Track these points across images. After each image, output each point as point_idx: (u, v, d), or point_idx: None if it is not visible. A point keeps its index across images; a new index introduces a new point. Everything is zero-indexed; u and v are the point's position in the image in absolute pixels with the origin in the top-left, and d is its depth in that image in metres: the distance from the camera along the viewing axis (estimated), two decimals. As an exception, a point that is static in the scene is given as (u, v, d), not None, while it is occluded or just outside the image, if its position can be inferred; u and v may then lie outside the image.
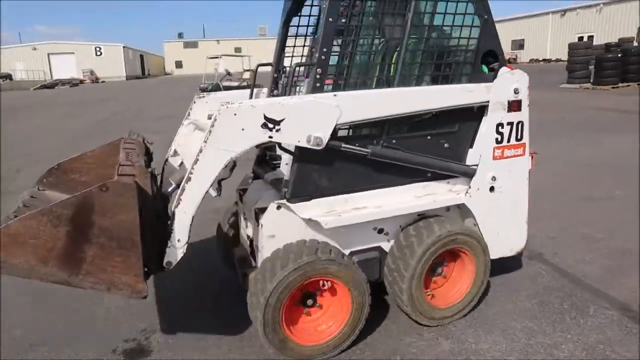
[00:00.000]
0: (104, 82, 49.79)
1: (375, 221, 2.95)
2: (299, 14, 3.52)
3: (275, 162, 3.62)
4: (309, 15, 3.54)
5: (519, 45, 48.19)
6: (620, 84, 17.12)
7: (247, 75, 20.93)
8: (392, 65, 2.94)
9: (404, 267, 2.90)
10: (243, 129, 2.51)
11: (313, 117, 2.60)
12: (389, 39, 2.98)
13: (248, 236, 3.34)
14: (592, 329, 3.01)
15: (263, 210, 2.87)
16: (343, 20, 2.74)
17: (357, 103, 2.71)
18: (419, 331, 3.04)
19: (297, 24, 3.59)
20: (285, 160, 3.57)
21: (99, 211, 2.27)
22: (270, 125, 2.54)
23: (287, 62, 3.69)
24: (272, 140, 2.58)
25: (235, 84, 19.84)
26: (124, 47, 56.73)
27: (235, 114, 2.48)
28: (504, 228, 3.28)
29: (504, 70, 3.03)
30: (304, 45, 3.62)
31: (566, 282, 3.62)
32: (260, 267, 2.73)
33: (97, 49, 56.14)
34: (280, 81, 3.61)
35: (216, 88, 18.80)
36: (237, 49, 57.02)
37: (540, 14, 45.61)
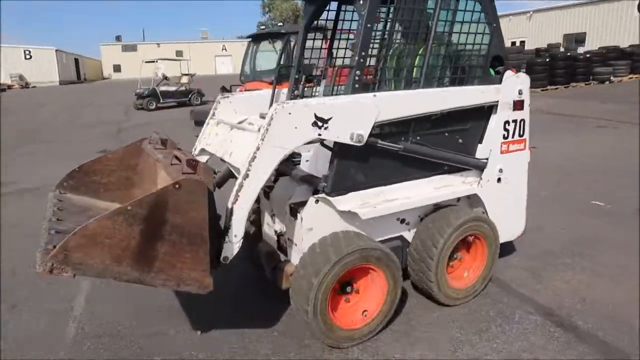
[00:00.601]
0: (34, 87, 46.86)
1: (399, 212, 3.22)
2: (319, 18, 3.77)
3: (295, 159, 3.77)
4: (326, 19, 3.78)
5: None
6: (548, 87, 18.49)
7: (185, 79, 20.21)
8: (416, 68, 3.23)
9: (430, 254, 3.19)
10: (296, 127, 2.70)
11: (356, 116, 2.84)
12: (415, 43, 3.28)
13: (276, 232, 3.46)
14: (516, 336, 3.04)
15: (299, 205, 3.04)
16: (379, 27, 2.99)
17: (393, 103, 2.99)
18: (343, 350, 2.97)
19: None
20: (306, 157, 3.76)
21: (172, 209, 2.33)
22: (320, 124, 2.74)
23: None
24: (321, 137, 2.80)
25: (173, 88, 19.39)
26: (56, 50, 53.62)
27: (290, 113, 2.67)
28: (508, 215, 3.69)
29: (509, 74, 3.43)
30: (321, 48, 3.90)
31: (494, 288, 3.62)
32: (308, 257, 2.88)
33: (27, 52, 52.69)
34: (301, 82, 3.84)
35: (152, 93, 18.46)
36: (179, 53, 55.66)
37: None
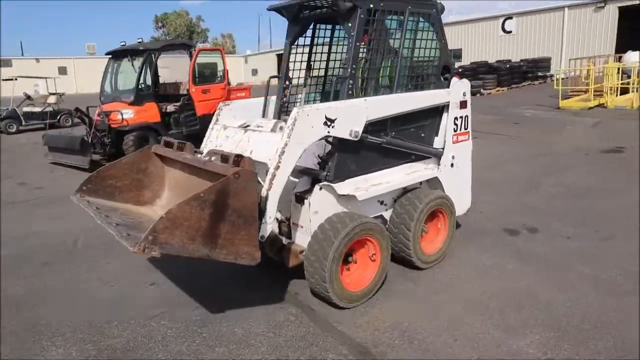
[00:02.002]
0: None
1: (381, 195, 3.94)
2: (303, 35, 4.46)
3: None
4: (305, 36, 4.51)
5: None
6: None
7: (52, 99, 18.31)
8: (388, 77, 4.05)
9: (407, 226, 3.96)
10: (312, 127, 3.35)
11: (354, 117, 3.56)
12: (389, 57, 4.10)
13: (277, 219, 3.97)
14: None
15: (305, 192, 3.63)
16: (362, 44, 3.76)
17: (378, 105, 3.77)
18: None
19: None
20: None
21: (232, 194, 2.83)
22: (329, 123, 3.41)
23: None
24: (329, 134, 3.45)
25: (39, 109, 17.51)
26: None
27: (308, 115, 3.31)
28: (460, 194, 4.56)
29: (455, 80, 4.38)
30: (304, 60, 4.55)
31: (312, 327, 3.35)
32: (320, 234, 3.45)
33: None
34: (287, 90, 4.51)
35: (12, 115, 16.55)
36: (62, 69, 51.70)
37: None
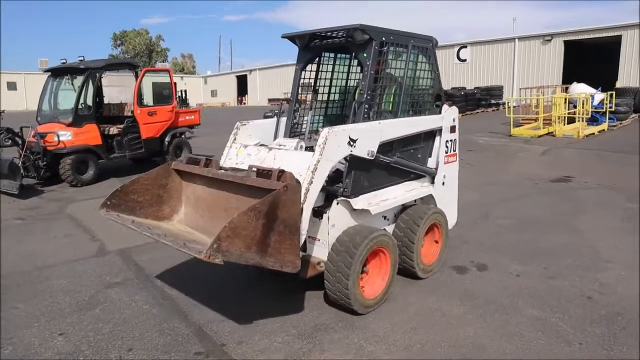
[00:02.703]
0: None
1: (386, 210, 4.20)
2: (312, 62, 4.77)
3: None
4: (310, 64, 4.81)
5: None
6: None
7: None
8: (392, 103, 4.45)
9: (411, 239, 4.23)
10: (339, 146, 3.58)
11: (371, 137, 3.83)
12: (393, 85, 4.44)
13: None
14: None
15: (323, 207, 3.76)
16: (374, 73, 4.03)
17: (390, 127, 4.07)
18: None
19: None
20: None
21: (281, 206, 2.98)
22: (351, 143, 3.67)
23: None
24: (352, 153, 3.69)
25: None
26: None
27: (336, 136, 3.55)
28: (449, 210, 4.91)
29: (446, 107, 4.80)
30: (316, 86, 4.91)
31: None
32: (339, 246, 3.65)
33: None
34: (297, 112, 4.78)
35: None
36: (11, 85, 49.60)
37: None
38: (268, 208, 2.90)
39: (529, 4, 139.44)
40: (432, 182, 4.69)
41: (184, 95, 53.30)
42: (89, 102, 10.03)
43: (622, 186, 8.45)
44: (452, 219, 5.02)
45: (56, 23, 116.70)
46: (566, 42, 28.25)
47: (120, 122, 10.42)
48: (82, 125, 9.63)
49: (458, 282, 4.46)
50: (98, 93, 11.53)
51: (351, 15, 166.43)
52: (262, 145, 4.27)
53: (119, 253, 5.51)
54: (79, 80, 9.87)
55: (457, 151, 4.97)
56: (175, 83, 11.55)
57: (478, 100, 25.18)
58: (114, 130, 10.28)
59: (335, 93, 5.04)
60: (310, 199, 3.38)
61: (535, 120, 17.23)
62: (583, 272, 4.63)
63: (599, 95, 17.57)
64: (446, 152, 4.80)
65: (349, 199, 3.78)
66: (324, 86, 4.93)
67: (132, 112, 10.38)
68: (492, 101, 25.69)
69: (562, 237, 5.69)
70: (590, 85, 19.32)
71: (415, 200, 4.54)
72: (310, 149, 4.01)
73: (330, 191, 3.82)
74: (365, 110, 3.97)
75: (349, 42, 4.16)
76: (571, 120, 16.96)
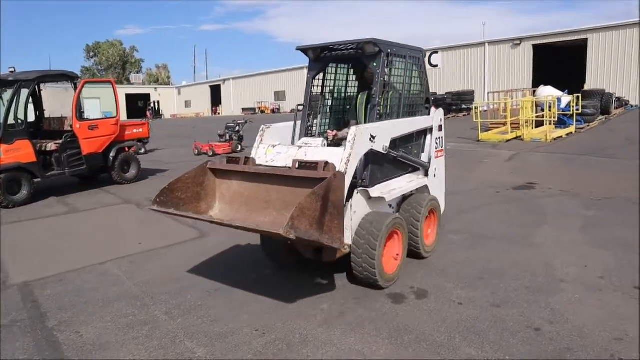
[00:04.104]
0: None
1: (394, 199, 4.77)
2: (323, 72, 5.31)
3: None
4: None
5: (280, 96, 48.80)
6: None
7: None
8: (393, 106, 4.90)
9: (416, 221, 4.86)
10: (363, 142, 4.13)
11: (385, 134, 4.44)
12: (397, 90, 4.99)
13: None
14: None
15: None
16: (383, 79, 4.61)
17: (398, 126, 4.75)
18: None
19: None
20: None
21: (332, 190, 3.47)
22: (372, 139, 4.24)
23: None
24: (372, 148, 4.24)
25: None
26: None
27: (362, 133, 4.11)
28: (440, 198, 5.60)
29: (433, 109, 5.55)
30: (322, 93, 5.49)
31: None
32: (362, 230, 4.15)
33: None
34: (311, 117, 5.28)
35: None
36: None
37: (298, 68, 49.44)
38: (324, 192, 3.39)
39: (502, 10, 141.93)
40: (426, 175, 5.38)
41: (156, 106, 52.87)
42: (21, 116, 9.28)
43: (582, 192, 8.10)
44: (442, 206, 5.77)
45: (27, 32, 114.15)
46: (535, 46, 28.39)
47: (61, 137, 9.68)
48: (13, 141, 8.86)
49: (391, 314, 3.90)
50: (38, 107, 10.84)
51: (326, 25, 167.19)
52: (301, 142, 4.85)
53: (21, 287, 4.83)
54: (8, 93, 9.12)
55: (444, 147, 5.79)
56: (117, 96, 10.78)
57: (449, 106, 24.98)
58: (51, 146, 9.53)
59: (337, 99, 5.63)
60: (346, 187, 3.84)
61: (504, 124, 16.98)
62: (534, 296, 4.14)
63: (566, 98, 17.45)
64: (436, 148, 5.53)
65: (367, 189, 4.32)
66: (329, 93, 5.52)
67: (71, 126, 9.66)
68: (464, 106, 25.52)
69: (517, 254, 5.21)
70: (561, 88, 19.25)
71: (412, 191, 5.15)
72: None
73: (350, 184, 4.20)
74: (378, 111, 4.57)
75: (359, 53, 4.67)
76: (540, 124, 16.76)
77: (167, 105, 58.21)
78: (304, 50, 5.05)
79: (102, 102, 11.82)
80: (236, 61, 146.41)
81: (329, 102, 5.53)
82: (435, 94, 26.95)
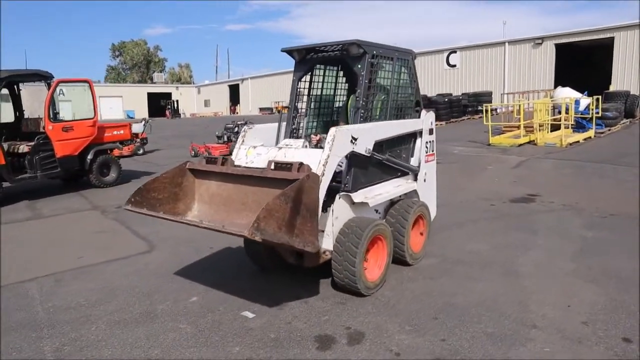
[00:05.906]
0: None
1: (379, 204, 4.64)
2: (308, 74, 5.15)
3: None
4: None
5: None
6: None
7: None
8: (380, 108, 4.78)
9: (401, 232, 4.67)
10: (343, 143, 3.98)
11: (368, 137, 4.26)
12: (384, 92, 4.87)
13: None
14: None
15: (325, 202, 3.94)
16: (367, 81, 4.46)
17: (382, 128, 4.56)
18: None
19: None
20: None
21: (304, 192, 3.38)
22: (353, 141, 4.07)
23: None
24: (353, 150, 4.08)
25: None
26: None
27: (342, 134, 3.95)
28: (430, 203, 5.42)
29: (424, 112, 5.37)
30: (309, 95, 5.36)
31: None
32: (343, 237, 4.00)
33: None
34: (295, 119, 5.15)
35: None
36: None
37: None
38: (295, 194, 3.28)
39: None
40: (415, 179, 5.25)
41: (175, 105, 53.03)
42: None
43: (587, 207, 7.18)
44: (432, 212, 5.58)
45: (57, 33, 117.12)
46: (557, 45, 27.01)
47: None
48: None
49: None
50: (17, 107, 10.49)
51: (352, 25, 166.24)
52: (282, 144, 4.68)
53: None
54: None
55: (435, 151, 5.61)
56: (95, 96, 10.32)
57: (464, 107, 23.90)
58: (24, 148, 9.15)
59: (325, 101, 5.46)
60: (323, 189, 3.75)
61: (518, 127, 15.93)
62: (493, 347, 3.36)
63: (585, 100, 16.26)
64: (426, 152, 5.39)
65: (349, 194, 4.20)
66: (316, 95, 5.36)
67: (44, 128, 9.25)
68: (480, 107, 24.34)
69: (489, 287, 4.41)
70: (584, 89, 18.00)
71: (400, 196, 4.99)
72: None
73: (332, 188, 4.07)
74: (361, 114, 4.43)
75: (344, 55, 4.57)
76: (556, 128, 15.67)
77: (187, 104, 58.46)
78: (289, 51, 4.94)
79: (76, 104, 11.38)
80: (260, 61, 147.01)
81: (317, 105, 5.38)
82: (451, 94, 25.86)
